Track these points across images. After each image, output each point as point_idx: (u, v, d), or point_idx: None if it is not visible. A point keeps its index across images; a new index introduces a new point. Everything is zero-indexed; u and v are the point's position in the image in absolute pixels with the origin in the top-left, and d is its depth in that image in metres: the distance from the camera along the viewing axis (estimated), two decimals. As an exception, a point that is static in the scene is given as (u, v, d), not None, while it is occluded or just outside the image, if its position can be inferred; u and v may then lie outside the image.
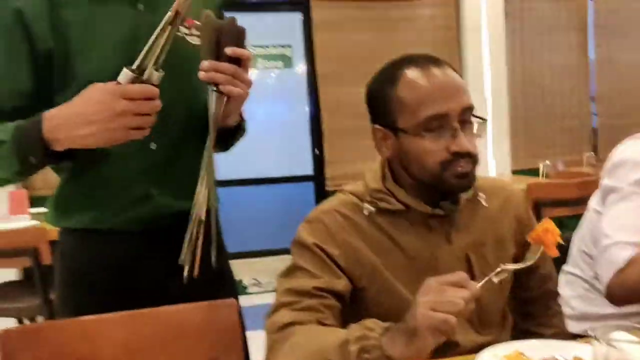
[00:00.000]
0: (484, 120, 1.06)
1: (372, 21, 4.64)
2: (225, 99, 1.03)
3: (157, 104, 0.97)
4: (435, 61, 1.06)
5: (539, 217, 1.24)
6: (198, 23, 1.15)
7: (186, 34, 1.14)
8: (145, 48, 0.94)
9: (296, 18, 4.68)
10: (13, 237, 2.47)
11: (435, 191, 1.06)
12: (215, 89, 1.02)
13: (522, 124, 4.92)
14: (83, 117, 0.96)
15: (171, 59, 1.12)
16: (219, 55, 1.02)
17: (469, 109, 1.03)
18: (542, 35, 4.91)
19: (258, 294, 4.08)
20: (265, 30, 4.66)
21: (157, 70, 0.95)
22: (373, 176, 1.11)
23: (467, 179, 1.03)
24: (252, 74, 4.69)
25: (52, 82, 1.10)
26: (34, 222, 3.01)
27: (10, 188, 3.30)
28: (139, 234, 1.16)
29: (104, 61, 1.08)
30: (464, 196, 1.09)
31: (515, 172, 4.76)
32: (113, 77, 1.05)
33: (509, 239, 1.14)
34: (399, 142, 1.05)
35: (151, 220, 1.16)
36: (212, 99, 1.03)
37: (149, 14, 1.12)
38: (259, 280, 4.43)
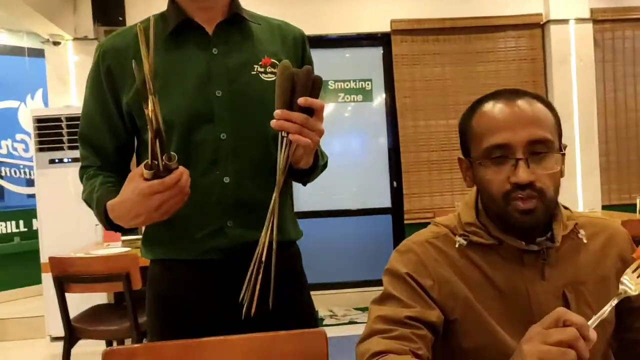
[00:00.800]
0: (560, 153, 1.01)
1: (453, 54, 4.62)
2: (294, 146, 1.06)
3: (182, 184, 1.02)
4: (517, 93, 1.04)
5: (635, 257, 1.17)
6: (274, 61, 1.21)
7: (261, 73, 1.20)
8: (149, 147, 0.98)
9: (377, 53, 4.75)
10: (107, 263, 2.60)
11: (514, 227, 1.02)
12: (285, 135, 1.05)
13: (614, 157, 4.67)
14: (131, 213, 1.07)
15: (245, 96, 1.19)
16: (291, 104, 1.04)
17: (538, 142, 0.99)
18: (635, 66, 4.67)
19: (334, 326, 4.06)
20: (346, 65, 4.76)
21: (168, 159, 0.99)
22: (466, 209, 1.09)
23: (531, 216, 0.98)
24: (332, 107, 4.79)
25: (139, 125, 1.21)
26: (126, 249, 3.19)
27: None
28: (217, 262, 1.21)
29: (179, 102, 1.16)
30: (563, 232, 1.05)
31: (606, 208, 4.50)
32: (188, 116, 1.15)
33: (612, 279, 1.07)
34: (474, 172, 1.05)
35: (228, 251, 1.20)
36: (282, 145, 1.06)
37: (222, 57, 1.19)
38: (335, 312, 4.41)
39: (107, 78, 1.20)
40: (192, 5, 1.21)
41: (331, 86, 4.65)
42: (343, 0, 4.56)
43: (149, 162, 0.99)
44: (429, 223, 1.16)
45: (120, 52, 1.20)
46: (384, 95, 4.75)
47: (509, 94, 1.04)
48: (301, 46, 1.30)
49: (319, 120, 1.07)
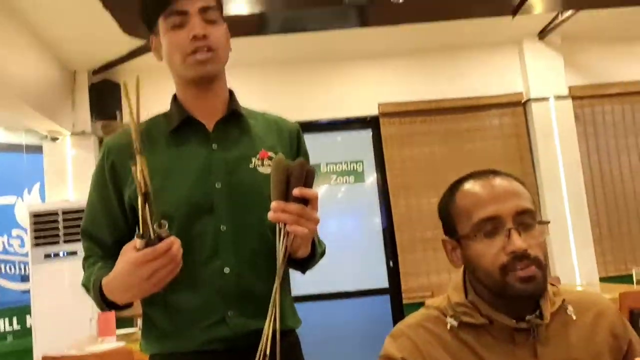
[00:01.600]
0: (544, 222, 1.05)
1: (440, 134, 4.77)
2: (292, 236, 1.09)
3: (174, 252, 1.03)
4: (493, 172, 1.10)
5: (636, 329, 1.15)
6: (271, 155, 1.26)
7: (258, 166, 1.26)
8: (140, 216, 1.01)
9: (367, 135, 4.89)
10: (103, 359, 2.54)
11: (515, 301, 1.03)
12: (282, 227, 1.08)
13: (606, 228, 4.71)
14: (123, 287, 1.09)
15: (243, 188, 1.23)
16: (287, 196, 1.08)
17: (525, 212, 1.03)
18: (617, 138, 4.82)
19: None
20: (337, 148, 4.88)
21: (159, 226, 1.01)
22: (455, 289, 1.11)
23: (533, 283, 0.99)
24: (325, 189, 4.85)
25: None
26: (121, 344, 3.12)
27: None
28: (220, 353, 1.19)
29: (179, 195, 1.20)
30: (550, 309, 1.05)
31: (603, 280, 4.48)
32: (188, 208, 1.19)
33: (606, 356, 1.07)
34: (462, 249, 1.07)
35: (230, 341, 1.19)
36: (279, 236, 1.08)
37: (221, 152, 1.25)
38: (338, 401, 4.25)
39: (110, 173, 1.25)
40: (193, 102, 1.28)
41: (324, 169, 4.75)
42: (332, 86, 4.76)
43: (140, 232, 1.01)
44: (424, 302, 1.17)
45: (123, 148, 1.24)
46: (375, 176, 4.84)
47: (485, 173, 1.10)
48: (296, 139, 1.36)
49: (314, 210, 1.11)
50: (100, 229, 1.27)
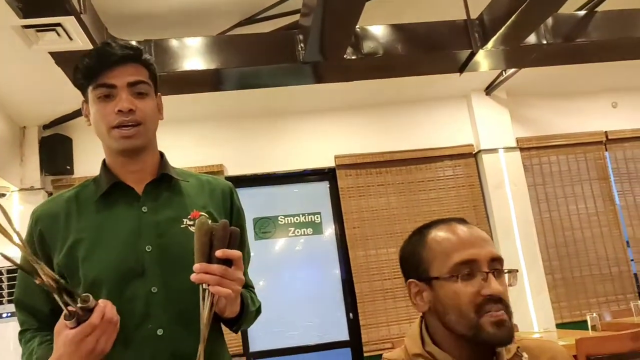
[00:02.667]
0: (514, 271, 1.10)
1: (396, 185, 4.85)
2: (216, 297, 1.09)
3: (109, 316, 1.04)
4: (460, 220, 1.14)
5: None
6: (203, 214, 1.26)
7: (190, 225, 1.26)
8: (61, 304, 1.01)
9: (324, 187, 4.93)
10: None
11: (476, 348, 1.04)
12: (206, 288, 1.08)
13: (559, 275, 4.82)
14: None
15: (174, 249, 1.23)
16: (210, 257, 1.08)
17: (497, 260, 1.07)
18: (565, 187, 5.02)
19: None
20: (294, 200, 4.89)
21: (83, 301, 1.02)
22: (412, 340, 1.11)
23: (505, 328, 1.02)
24: (283, 242, 4.80)
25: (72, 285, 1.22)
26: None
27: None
28: None
29: (109, 259, 1.20)
30: (507, 356, 1.06)
31: (559, 326, 4.55)
32: (118, 272, 1.18)
33: None
34: (434, 291, 1.08)
35: None
36: (204, 297, 1.08)
37: (151, 214, 1.26)
38: None
39: (39, 242, 1.25)
40: (122, 169, 1.29)
41: (281, 221, 4.73)
42: (289, 139, 4.81)
43: (67, 312, 1.01)
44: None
45: (52, 216, 1.26)
46: (333, 227, 4.85)
47: (454, 220, 1.14)
48: (229, 198, 1.37)
49: (239, 269, 1.12)
50: (34, 298, 1.25)
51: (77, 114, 4.29)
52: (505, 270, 1.08)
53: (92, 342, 1.02)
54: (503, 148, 4.90)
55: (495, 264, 1.07)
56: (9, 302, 3.73)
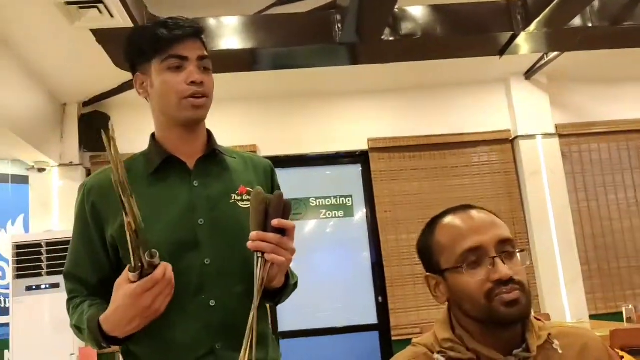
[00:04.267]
0: (524, 250, 1.08)
1: (429, 169, 4.79)
2: (269, 265, 1.12)
3: (169, 276, 1.09)
4: (470, 206, 1.13)
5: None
6: (249, 190, 1.30)
7: (238, 201, 1.30)
8: (131, 251, 1.03)
9: (356, 170, 4.91)
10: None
11: (501, 334, 1.04)
12: (260, 256, 1.12)
13: (595, 265, 4.72)
14: (125, 320, 1.11)
15: (225, 223, 1.26)
16: (265, 226, 1.12)
17: (506, 241, 1.06)
18: (605, 175, 4.88)
19: None
20: (326, 182, 4.89)
21: (150, 256, 1.04)
22: (442, 325, 1.11)
23: (517, 307, 1.01)
24: (314, 223, 4.83)
25: (122, 256, 1.26)
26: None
27: (81, 344, 3.39)
28: None
29: (163, 233, 1.22)
30: (537, 342, 1.05)
31: (594, 317, 4.46)
32: (172, 245, 1.20)
33: None
34: (448, 284, 1.08)
35: None
36: (258, 265, 1.12)
37: (202, 189, 1.29)
38: None
39: (92, 214, 1.27)
40: (176, 142, 1.31)
41: (313, 203, 4.74)
42: (322, 121, 4.79)
43: (133, 265, 1.05)
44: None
45: (103, 188, 1.27)
46: (364, 210, 4.83)
47: (461, 207, 1.13)
48: (270, 175, 1.42)
49: (291, 240, 1.16)
50: (85, 270, 1.28)
51: (115, 91, 4.37)
52: (517, 251, 1.06)
53: (150, 298, 1.06)
54: (541, 134, 4.78)
55: (505, 246, 1.05)
56: (48, 274, 3.86)
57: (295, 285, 1.36)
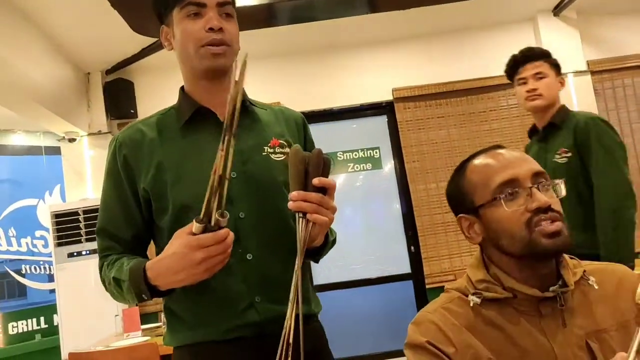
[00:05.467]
0: (559, 182, 1.06)
1: (456, 116, 4.71)
2: (311, 224, 1.09)
3: (228, 243, 1.05)
4: (499, 146, 1.12)
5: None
6: (282, 142, 1.28)
7: (270, 153, 1.27)
8: (206, 198, 1.01)
9: (382, 121, 4.86)
10: (129, 354, 2.59)
11: (538, 269, 1.02)
12: (302, 216, 1.08)
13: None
14: (173, 269, 1.08)
15: (258, 176, 1.24)
16: (306, 185, 1.09)
17: (540, 174, 1.05)
18: (639, 111, 4.72)
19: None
20: (353, 135, 4.85)
21: (221, 215, 1.02)
22: (474, 268, 1.10)
23: (560, 237, 0.99)
24: (343, 177, 4.81)
25: (152, 209, 1.26)
26: (146, 338, 3.15)
27: (124, 306, 3.52)
28: (249, 340, 1.20)
29: (195, 188, 1.19)
30: (573, 279, 1.04)
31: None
32: (202, 200, 1.17)
33: (631, 323, 1.05)
34: (483, 221, 1.07)
35: (259, 326, 1.20)
36: (300, 225, 1.08)
37: (235, 141, 1.24)
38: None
39: (124, 168, 1.25)
40: (204, 94, 1.28)
41: (340, 157, 4.73)
42: (345, 74, 4.72)
43: (201, 216, 1.02)
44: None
45: (135, 142, 1.26)
46: (392, 162, 4.80)
47: (491, 148, 1.12)
48: (302, 127, 1.40)
49: (332, 199, 1.12)
50: (118, 226, 1.27)
51: (136, 57, 4.37)
52: (555, 182, 1.05)
53: (203, 254, 1.03)
54: (572, 72, 4.62)
55: (539, 178, 1.04)
56: (87, 240, 3.98)
57: (334, 241, 1.35)
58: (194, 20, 1.22)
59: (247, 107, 1.31)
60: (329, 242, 1.27)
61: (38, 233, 5.28)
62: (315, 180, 1.08)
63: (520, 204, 1.01)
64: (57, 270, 4.02)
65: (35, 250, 5.23)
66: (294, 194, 1.08)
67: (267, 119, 1.33)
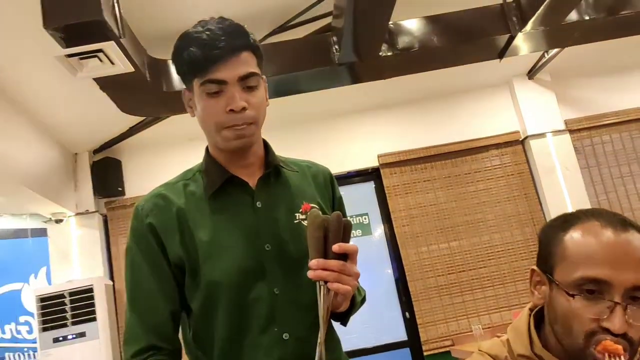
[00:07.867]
0: None
1: (442, 179, 4.77)
2: (332, 293, 1.03)
3: None
4: (626, 224, 0.93)
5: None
6: (313, 206, 1.21)
7: (302, 220, 1.20)
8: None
9: (369, 187, 4.89)
10: None
11: None
12: (323, 284, 1.02)
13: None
14: None
15: (291, 247, 1.17)
16: (326, 251, 1.03)
17: (638, 289, 0.88)
18: (621, 166, 4.82)
19: None
20: (340, 203, 4.85)
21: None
22: (518, 337, 1.01)
23: None
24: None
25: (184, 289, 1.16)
26: None
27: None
28: None
29: (231, 262, 1.13)
30: None
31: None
32: (240, 275, 1.12)
33: None
34: (551, 294, 0.95)
35: None
36: (321, 294, 1.02)
37: (266, 211, 1.19)
38: None
39: (152, 234, 1.16)
40: (233, 163, 1.21)
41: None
42: (331, 142, 4.79)
43: None
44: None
45: (161, 209, 1.18)
46: (382, 227, 4.80)
47: (617, 222, 0.93)
48: (330, 184, 1.34)
49: (355, 263, 1.06)
50: (154, 297, 1.14)
51: (123, 136, 4.41)
52: None
53: None
54: (551, 132, 4.74)
55: (635, 293, 0.88)
56: (73, 324, 3.86)
57: (364, 300, 1.28)
58: (215, 100, 1.13)
59: (278, 171, 1.25)
60: (356, 303, 1.21)
61: (22, 318, 5.11)
62: (335, 247, 1.02)
63: (596, 310, 0.87)
64: (42, 357, 3.87)
65: (19, 337, 5.05)
66: (313, 262, 1.02)
67: (297, 182, 1.27)
